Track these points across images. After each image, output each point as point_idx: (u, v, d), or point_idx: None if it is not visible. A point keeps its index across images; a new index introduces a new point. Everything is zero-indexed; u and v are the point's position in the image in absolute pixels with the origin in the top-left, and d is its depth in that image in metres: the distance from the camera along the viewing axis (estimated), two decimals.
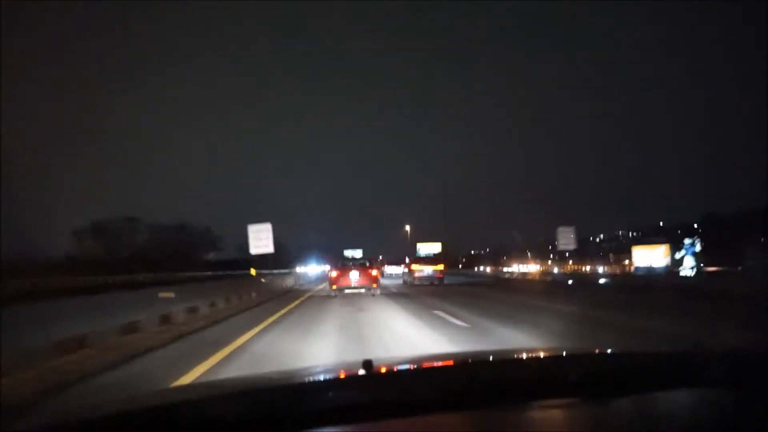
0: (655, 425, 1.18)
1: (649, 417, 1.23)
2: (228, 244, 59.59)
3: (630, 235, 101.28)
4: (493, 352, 3.02)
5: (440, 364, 1.79)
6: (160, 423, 1.04)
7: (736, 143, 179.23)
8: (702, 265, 31.17)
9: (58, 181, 64.79)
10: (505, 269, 60.94)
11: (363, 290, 15.53)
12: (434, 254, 37.66)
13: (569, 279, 28.22)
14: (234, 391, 1.30)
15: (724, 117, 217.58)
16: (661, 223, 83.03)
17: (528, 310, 10.75)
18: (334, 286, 15.47)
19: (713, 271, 28.83)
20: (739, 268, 27.67)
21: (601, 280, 25.16)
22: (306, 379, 1.50)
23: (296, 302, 13.58)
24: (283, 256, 50.54)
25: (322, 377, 1.56)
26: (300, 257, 54.39)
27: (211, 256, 58.29)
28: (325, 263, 54.48)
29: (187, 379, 4.45)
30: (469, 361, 1.85)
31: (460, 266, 72.35)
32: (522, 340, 6.58)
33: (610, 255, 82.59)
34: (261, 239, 17.72)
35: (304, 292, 19.39)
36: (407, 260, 39.81)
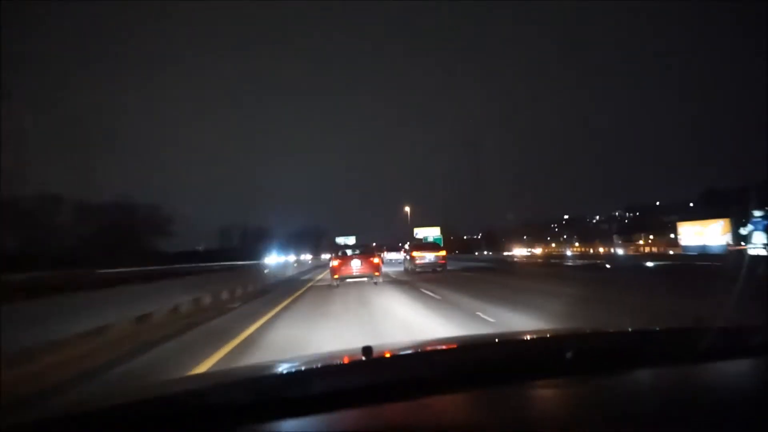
0: (653, 400, 1.17)
1: (648, 393, 1.24)
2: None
3: (627, 215, 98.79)
4: (495, 335, 3.31)
5: (439, 347, 1.84)
6: (168, 413, 1.07)
7: (734, 118, 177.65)
8: None
9: None
10: (505, 253, 58.21)
11: (365, 279, 15.32)
12: (435, 239, 36.07)
13: (598, 262, 24.32)
14: (239, 379, 1.39)
15: (720, 88, 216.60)
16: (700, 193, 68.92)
17: (599, 305, 8.51)
18: (336, 276, 14.93)
19: None
20: None
21: (649, 263, 21.33)
22: (310, 366, 1.53)
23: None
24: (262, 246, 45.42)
25: (322, 363, 1.57)
26: (283, 245, 47.83)
27: (164, 245, 45.46)
28: (308, 252, 50.00)
29: None
30: (470, 343, 1.88)
31: (457, 251, 69.00)
32: None
33: (614, 236, 79.46)
34: None
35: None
36: (400, 245, 37.68)
